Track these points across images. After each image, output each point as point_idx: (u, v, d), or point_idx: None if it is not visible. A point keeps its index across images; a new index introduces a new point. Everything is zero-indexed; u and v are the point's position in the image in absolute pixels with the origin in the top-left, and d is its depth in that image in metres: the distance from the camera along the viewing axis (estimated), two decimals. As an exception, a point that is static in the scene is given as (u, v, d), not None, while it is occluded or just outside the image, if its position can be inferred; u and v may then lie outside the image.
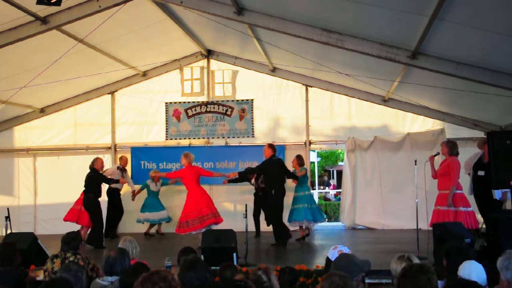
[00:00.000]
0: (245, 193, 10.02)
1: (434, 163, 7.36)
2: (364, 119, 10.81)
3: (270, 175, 8.54)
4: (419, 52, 6.68)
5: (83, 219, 9.03)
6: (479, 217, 7.83)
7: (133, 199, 10.14)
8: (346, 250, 3.74)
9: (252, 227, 9.60)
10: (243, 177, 9.25)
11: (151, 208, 10.02)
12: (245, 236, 6.87)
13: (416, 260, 3.18)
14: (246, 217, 7.02)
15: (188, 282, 3.09)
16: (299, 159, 9.24)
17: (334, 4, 6.34)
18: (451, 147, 7.10)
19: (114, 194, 10.00)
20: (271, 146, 8.67)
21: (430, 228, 6.80)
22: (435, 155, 7.38)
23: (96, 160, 9.06)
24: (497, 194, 7.90)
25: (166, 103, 11.17)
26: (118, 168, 10.15)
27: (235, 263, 6.04)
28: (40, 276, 5.20)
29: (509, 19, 5.24)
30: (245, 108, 11.00)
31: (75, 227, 8.53)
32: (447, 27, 5.73)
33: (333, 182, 21.82)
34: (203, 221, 7.95)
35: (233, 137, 11.00)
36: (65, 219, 9.13)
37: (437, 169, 7.24)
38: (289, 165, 9.38)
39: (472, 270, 3.33)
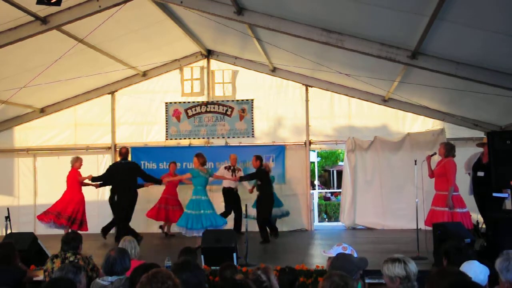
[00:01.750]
0: (245, 194, 10.01)
1: (432, 163, 7.38)
2: (364, 119, 10.81)
3: (114, 180, 8.41)
4: (419, 52, 6.67)
5: (161, 215, 9.81)
6: (479, 217, 7.83)
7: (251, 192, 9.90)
8: (349, 248, 3.76)
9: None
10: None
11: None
12: (245, 236, 6.88)
13: (411, 263, 3.16)
14: (246, 217, 7.03)
15: (183, 281, 3.09)
16: (200, 158, 8.26)
17: (334, 4, 6.34)
18: (448, 149, 7.13)
19: (230, 193, 9.84)
20: (120, 149, 8.66)
21: (430, 228, 6.81)
22: (432, 155, 7.39)
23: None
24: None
25: (166, 103, 11.18)
26: (225, 167, 9.92)
27: (235, 263, 6.04)
28: (40, 276, 5.19)
29: (509, 19, 5.24)
30: (245, 108, 11.00)
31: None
32: (447, 27, 5.73)
33: (317, 183, 21.82)
34: (60, 219, 8.75)
35: (233, 137, 11.00)
36: (147, 216, 9.86)
37: (434, 169, 7.26)
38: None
39: (472, 270, 3.32)
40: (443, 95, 8.66)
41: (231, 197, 9.90)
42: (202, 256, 6.26)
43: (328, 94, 10.85)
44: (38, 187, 11.22)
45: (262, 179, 8.95)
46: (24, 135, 11.43)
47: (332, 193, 20.11)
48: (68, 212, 8.83)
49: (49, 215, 8.82)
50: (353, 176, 10.64)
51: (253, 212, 9.29)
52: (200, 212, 7.92)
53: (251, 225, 8.29)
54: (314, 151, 12.74)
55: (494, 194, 7.01)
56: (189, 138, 11.11)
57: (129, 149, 8.72)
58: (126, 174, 8.40)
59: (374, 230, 10.29)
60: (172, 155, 10.66)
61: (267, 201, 8.96)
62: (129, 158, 9.35)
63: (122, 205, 8.38)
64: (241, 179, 9.33)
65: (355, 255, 3.78)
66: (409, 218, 8.69)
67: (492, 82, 6.71)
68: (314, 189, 15.59)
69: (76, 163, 9.23)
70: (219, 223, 8.03)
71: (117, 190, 8.50)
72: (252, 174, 9.15)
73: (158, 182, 9.11)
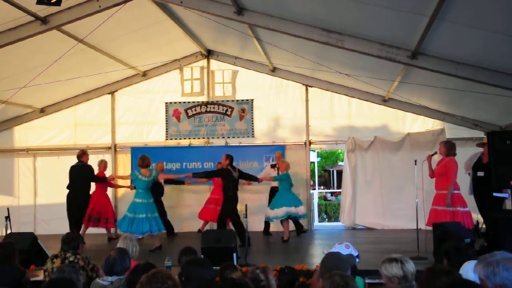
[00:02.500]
0: (245, 193, 10.00)
1: (432, 162, 7.38)
2: (364, 119, 10.81)
3: (70, 182, 8.88)
4: (419, 52, 6.68)
5: (207, 215, 9.93)
6: (479, 217, 7.83)
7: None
8: (352, 246, 3.77)
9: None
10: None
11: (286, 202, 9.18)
12: (245, 236, 6.88)
13: (408, 262, 3.16)
14: (246, 217, 7.03)
15: (196, 277, 3.10)
16: (140, 160, 8.11)
17: (334, 4, 6.34)
18: (449, 147, 7.12)
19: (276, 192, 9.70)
20: (78, 152, 9.14)
21: (430, 228, 6.81)
22: (433, 155, 7.39)
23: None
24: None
25: (166, 103, 11.17)
26: (271, 166, 10.05)
27: (235, 263, 6.04)
28: (40, 276, 5.19)
29: (509, 19, 5.24)
30: (245, 108, 11.00)
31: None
32: (447, 27, 5.73)
33: (311, 183, 21.81)
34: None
35: (233, 137, 11.00)
36: (200, 218, 10.06)
37: (434, 168, 7.26)
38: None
39: (472, 270, 3.32)
40: (443, 95, 8.66)
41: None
42: (202, 256, 6.25)
43: (328, 94, 10.85)
44: (38, 187, 11.21)
45: (223, 179, 8.70)
46: (24, 135, 11.43)
47: (332, 193, 20.11)
48: (95, 215, 9.53)
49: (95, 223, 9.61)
50: (353, 176, 10.64)
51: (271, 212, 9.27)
52: (141, 216, 7.78)
53: (254, 225, 8.32)
54: (314, 151, 12.74)
55: (494, 194, 7.01)
56: (189, 138, 11.11)
57: (87, 151, 9.29)
58: (78, 177, 8.83)
59: (374, 230, 10.29)
60: (172, 155, 10.67)
61: (229, 203, 8.50)
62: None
63: (73, 206, 8.75)
64: (194, 175, 9.21)
65: (357, 253, 3.79)
66: (409, 218, 8.70)
67: (492, 82, 6.72)
68: (314, 189, 15.61)
69: (101, 165, 9.86)
70: (161, 228, 8.08)
71: (70, 192, 8.86)
72: (210, 171, 9.16)
73: (104, 180, 9.61)
